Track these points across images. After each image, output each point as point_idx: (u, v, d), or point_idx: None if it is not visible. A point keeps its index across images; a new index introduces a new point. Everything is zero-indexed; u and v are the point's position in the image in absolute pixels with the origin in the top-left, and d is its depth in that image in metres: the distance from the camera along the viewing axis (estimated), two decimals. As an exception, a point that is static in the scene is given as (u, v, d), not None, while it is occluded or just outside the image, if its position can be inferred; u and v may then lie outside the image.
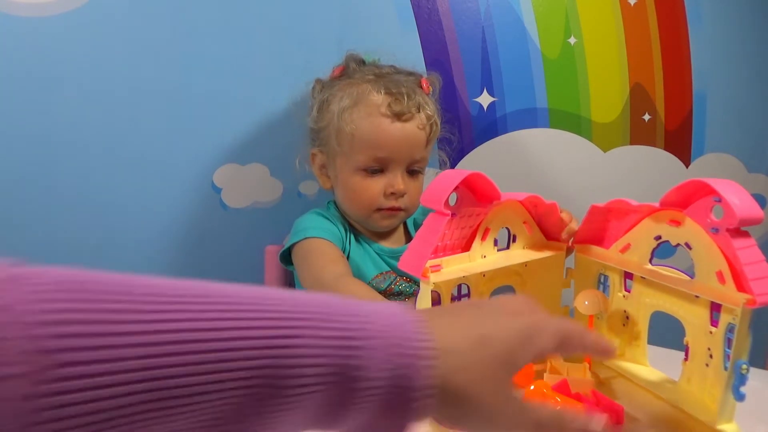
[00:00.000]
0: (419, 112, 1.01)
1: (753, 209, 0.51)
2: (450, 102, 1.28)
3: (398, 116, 0.99)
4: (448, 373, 0.33)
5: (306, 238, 1.01)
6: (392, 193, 1.02)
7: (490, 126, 1.31)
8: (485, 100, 1.30)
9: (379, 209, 1.03)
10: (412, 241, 0.57)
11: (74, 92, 1.12)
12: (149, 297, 0.29)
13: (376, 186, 1.02)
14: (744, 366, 0.53)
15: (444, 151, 1.25)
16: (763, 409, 0.65)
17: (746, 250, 0.52)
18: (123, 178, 1.17)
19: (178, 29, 1.15)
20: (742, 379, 0.54)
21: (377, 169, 1.02)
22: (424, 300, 0.57)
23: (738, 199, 0.51)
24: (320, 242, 1.01)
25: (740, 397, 0.55)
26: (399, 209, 1.04)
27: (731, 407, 0.56)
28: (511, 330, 0.36)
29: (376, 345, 0.32)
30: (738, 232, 0.52)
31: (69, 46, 1.10)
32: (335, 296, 0.34)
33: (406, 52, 1.24)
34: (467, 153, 1.31)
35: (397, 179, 1.02)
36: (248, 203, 1.25)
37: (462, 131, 1.30)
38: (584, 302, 0.61)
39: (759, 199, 1.44)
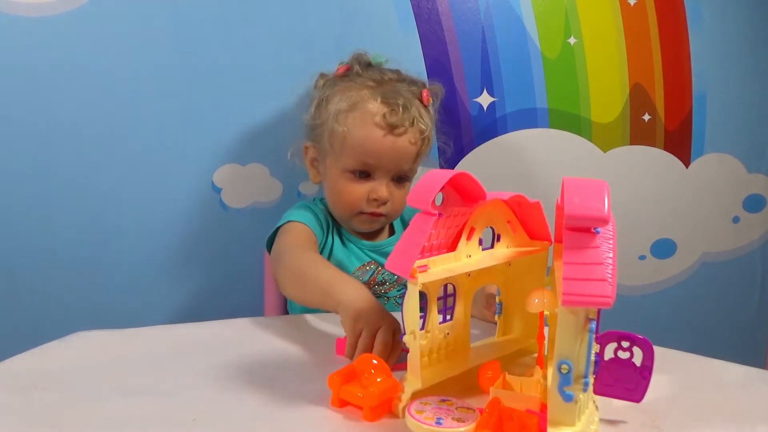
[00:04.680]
0: (413, 125, 1.02)
1: (588, 209, 0.49)
2: (450, 102, 1.28)
3: (391, 129, 1.00)
4: None
5: (287, 222, 1.04)
6: (375, 200, 1.03)
7: (490, 126, 1.31)
8: (485, 100, 1.30)
9: (361, 213, 1.05)
10: (398, 241, 0.57)
11: (74, 92, 1.13)
12: None
13: (360, 190, 1.03)
14: (564, 365, 0.49)
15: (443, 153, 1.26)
16: (763, 409, 0.65)
17: (576, 249, 0.49)
18: (123, 178, 1.18)
19: (178, 29, 1.16)
20: (566, 380, 0.50)
21: (364, 173, 1.03)
22: (411, 301, 0.57)
23: (580, 198, 0.49)
24: (296, 224, 1.04)
25: (567, 398, 0.50)
26: (380, 215, 1.06)
27: (562, 409, 0.51)
28: None
29: None
30: (579, 229, 0.50)
31: (69, 46, 1.11)
32: None
33: (406, 51, 1.24)
34: (467, 153, 1.31)
35: (381, 187, 1.03)
36: (248, 203, 1.25)
37: (462, 131, 1.30)
38: (534, 300, 0.60)
39: (758, 199, 1.43)
